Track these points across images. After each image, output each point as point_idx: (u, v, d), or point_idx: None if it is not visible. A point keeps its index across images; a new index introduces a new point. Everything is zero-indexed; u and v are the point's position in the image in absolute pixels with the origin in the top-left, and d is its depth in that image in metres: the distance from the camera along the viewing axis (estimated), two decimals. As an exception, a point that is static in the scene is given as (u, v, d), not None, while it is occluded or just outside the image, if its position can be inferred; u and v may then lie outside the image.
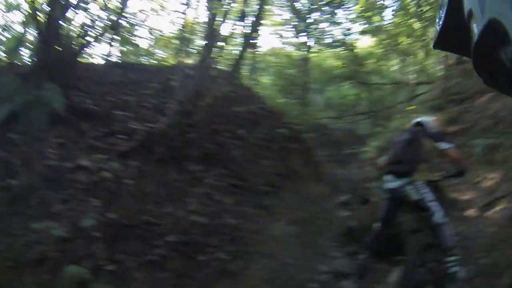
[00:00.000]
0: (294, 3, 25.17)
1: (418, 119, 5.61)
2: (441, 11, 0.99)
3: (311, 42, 26.56)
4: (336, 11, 26.99)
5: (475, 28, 0.77)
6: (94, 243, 3.98)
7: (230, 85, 7.96)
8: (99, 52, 9.71)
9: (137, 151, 5.47)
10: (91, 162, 4.81)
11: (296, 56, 28.48)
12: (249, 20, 7.53)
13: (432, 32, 20.33)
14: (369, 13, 23.57)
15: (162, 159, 5.56)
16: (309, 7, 25.12)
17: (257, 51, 15.65)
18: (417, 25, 24.46)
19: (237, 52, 7.43)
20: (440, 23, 0.98)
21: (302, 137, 9.70)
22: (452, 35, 0.97)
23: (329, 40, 28.36)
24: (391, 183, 5.13)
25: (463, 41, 0.88)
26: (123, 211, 4.50)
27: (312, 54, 27.67)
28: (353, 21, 26.47)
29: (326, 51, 30.52)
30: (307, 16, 24.99)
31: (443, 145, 5.08)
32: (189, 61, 9.43)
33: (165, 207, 4.89)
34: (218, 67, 7.63)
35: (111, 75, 7.13)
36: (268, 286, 5.04)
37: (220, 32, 6.86)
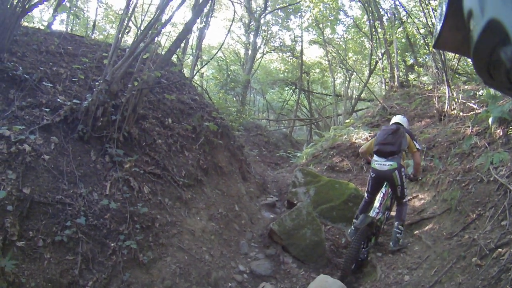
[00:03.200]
0: (250, 1, 25.24)
1: (397, 119, 7.02)
2: (441, 11, 0.90)
3: (259, 43, 26.75)
4: (290, 16, 27.46)
5: (475, 28, 0.75)
6: (5, 217, 3.70)
7: (164, 71, 7.72)
8: (43, 18, 9.21)
9: (59, 127, 5.19)
10: (12, 133, 4.46)
11: (242, 54, 28.64)
12: (199, 8, 7.25)
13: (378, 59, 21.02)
14: (321, 25, 23.95)
15: (83, 138, 5.30)
16: (264, 8, 25.25)
17: (201, 41, 15.38)
18: (366, 44, 25.21)
19: (179, 38, 7.12)
20: (440, 23, 0.96)
21: (232, 134, 9.63)
22: (452, 35, 0.95)
23: (277, 44, 28.73)
24: (382, 165, 6.49)
25: (463, 41, 0.89)
26: (38, 187, 4.23)
27: (259, 55, 27.87)
28: (304, 29, 26.93)
29: (273, 54, 30.95)
30: (261, 16, 25.09)
31: (417, 144, 6.79)
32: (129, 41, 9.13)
33: (79, 188, 4.65)
34: (154, 51, 7.37)
35: (49, 43, 6.75)
36: (181, 280, 4.93)
37: (163, 16, 6.56)
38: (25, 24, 7.39)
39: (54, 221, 4.06)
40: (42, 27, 7.48)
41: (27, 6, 5.72)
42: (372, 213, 6.70)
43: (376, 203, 6.84)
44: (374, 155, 6.71)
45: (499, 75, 0.75)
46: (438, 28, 0.97)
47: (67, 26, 10.67)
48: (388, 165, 6.43)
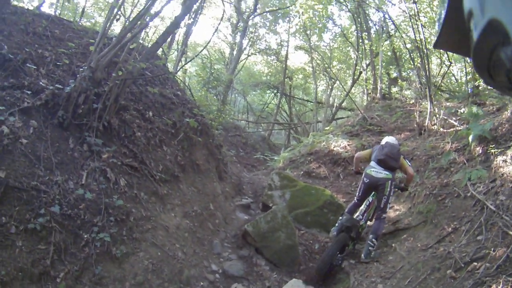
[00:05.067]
0: (240, 2, 25.22)
1: (391, 140, 7.37)
2: (441, 11, 0.89)
3: (245, 44, 26.72)
4: (278, 20, 27.51)
5: (475, 28, 0.74)
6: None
7: (149, 64, 7.64)
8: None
9: (39, 111, 5.08)
10: (-9, 113, 4.37)
11: (227, 54, 28.59)
12: (189, 3, 7.21)
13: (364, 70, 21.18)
14: (309, 31, 24.03)
15: (62, 124, 5.20)
16: (253, 10, 25.23)
17: (188, 37, 15.31)
18: (352, 54, 25.39)
19: (167, 31, 7.06)
20: (440, 23, 0.95)
21: (212, 133, 9.56)
22: (452, 35, 0.95)
23: (263, 47, 28.74)
24: (378, 173, 6.80)
25: (463, 41, 0.87)
26: (13, 171, 4.12)
27: (244, 56, 27.84)
28: (291, 34, 26.98)
29: (258, 56, 30.96)
30: (249, 18, 25.08)
31: (409, 163, 7.22)
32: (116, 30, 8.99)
33: (55, 175, 4.54)
34: (141, 42, 7.27)
35: (37, 25, 6.61)
36: (154, 277, 4.87)
37: (153, 8, 6.49)
38: (15, 3, 7.22)
39: (28, 208, 3.97)
40: (31, 8, 7.32)
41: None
42: (356, 217, 6.95)
43: (362, 209, 7.13)
44: (372, 163, 6.97)
45: (499, 75, 0.75)
46: (438, 28, 0.96)
47: (56, 9, 10.50)
48: (385, 174, 6.76)
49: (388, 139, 7.44)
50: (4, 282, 3.40)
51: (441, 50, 16.98)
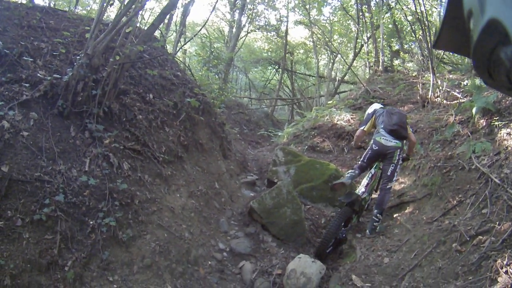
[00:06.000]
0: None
1: (376, 106, 7.58)
2: (441, 11, 0.89)
3: (244, 21, 26.51)
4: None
5: (475, 28, 0.76)
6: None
7: (147, 46, 7.61)
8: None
9: (39, 102, 5.09)
10: (-10, 109, 4.39)
11: (227, 32, 28.41)
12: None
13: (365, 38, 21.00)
14: (308, 6, 23.79)
15: (62, 114, 5.21)
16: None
17: (186, 17, 15.19)
18: (352, 27, 25.15)
19: (163, 12, 7.01)
20: (440, 23, 0.97)
21: (214, 111, 9.55)
22: (452, 35, 0.97)
23: (262, 23, 28.51)
24: (388, 141, 6.72)
25: (463, 41, 0.89)
26: (16, 165, 4.15)
27: (243, 33, 27.65)
28: (290, 9, 26.72)
29: (258, 32, 30.73)
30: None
31: (410, 129, 7.18)
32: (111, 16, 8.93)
33: (58, 164, 4.57)
34: (138, 25, 7.22)
35: (31, 18, 6.59)
36: (161, 259, 4.92)
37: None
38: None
39: (33, 199, 4.01)
40: (24, 2, 7.29)
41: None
42: (358, 191, 6.85)
43: (364, 182, 7.01)
44: (382, 131, 6.86)
45: (499, 75, 0.75)
46: (438, 28, 0.97)
47: (50, 1, 10.45)
48: (395, 142, 6.69)
49: (375, 106, 7.57)
50: (13, 275, 3.46)
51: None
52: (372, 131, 7.34)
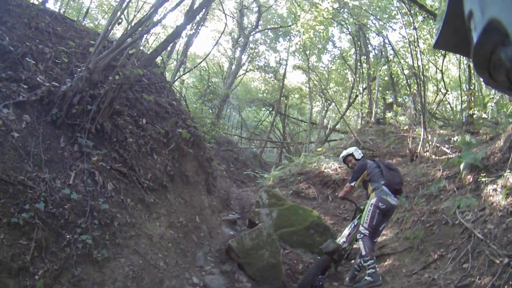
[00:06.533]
0: (242, 17, 25.41)
1: (352, 150, 7.37)
2: (441, 11, 0.91)
3: (244, 59, 26.87)
4: (278, 38, 27.72)
5: (475, 28, 0.76)
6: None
7: (147, 71, 7.64)
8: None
9: (34, 106, 5.07)
10: (-16, 104, 4.37)
11: (226, 68, 28.73)
12: (192, 14, 7.25)
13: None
14: (308, 51, 24.20)
15: (55, 122, 5.19)
16: (255, 26, 25.44)
17: (188, 47, 15.36)
18: (349, 77, 25.61)
19: (167, 40, 7.08)
20: (440, 23, 0.97)
21: (204, 145, 9.55)
22: (452, 35, 0.97)
23: (262, 64, 28.91)
24: (393, 200, 6.41)
25: (463, 41, 0.88)
26: (2, 164, 4.08)
27: (242, 71, 27.97)
28: (291, 53, 27.18)
29: (256, 72, 31.12)
30: (250, 34, 25.26)
31: None
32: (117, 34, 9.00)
33: (43, 172, 4.51)
34: (141, 48, 7.28)
35: (40, 20, 6.63)
36: (133, 284, 4.80)
37: (156, 15, 6.52)
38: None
39: (13, 201, 3.91)
40: (36, 3, 7.35)
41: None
42: (339, 240, 6.73)
43: (345, 232, 6.88)
44: (386, 189, 6.46)
45: (500, 75, 0.76)
46: (439, 28, 0.98)
47: (61, 7, 10.55)
48: (396, 200, 6.54)
49: (352, 150, 7.37)
50: (-18, 273, 3.35)
51: (437, 78, 17.25)
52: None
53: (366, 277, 6.04)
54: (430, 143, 11.37)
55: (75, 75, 5.58)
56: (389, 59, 20.27)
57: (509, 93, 0.88)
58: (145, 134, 6.84)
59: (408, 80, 17.87)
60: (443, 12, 0.94)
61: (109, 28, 6.17)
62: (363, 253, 6.23)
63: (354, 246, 7.31)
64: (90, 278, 4.29)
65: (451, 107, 21.95)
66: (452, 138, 11.42)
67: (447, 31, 0.95)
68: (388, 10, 18.43)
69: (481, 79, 0.86)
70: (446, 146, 10.83)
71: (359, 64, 21.11)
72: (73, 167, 5.01)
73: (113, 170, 5.66)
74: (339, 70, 26.81)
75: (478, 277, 4.68)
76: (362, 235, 6.34)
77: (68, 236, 4.30)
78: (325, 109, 28.29)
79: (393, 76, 20.94)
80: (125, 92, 6.49)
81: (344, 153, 7.42)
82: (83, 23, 8.83)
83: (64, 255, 4.15)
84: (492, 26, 0.69)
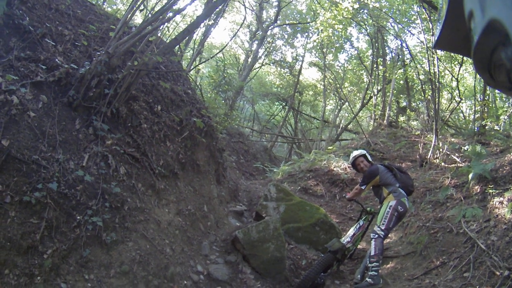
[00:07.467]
0: (262, 11, 25.36)
1: (358, 153, 7.38)
2: (441, 11, 0.92)
3: (261, 53, 26.81)
4: (296, 34, 27.62)
5: (476, 28, 0.76)
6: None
7: (165, 59, 7.67)
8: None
9: (51, 87, 5.10)
10: (4, 81, 4.40)
11: (242, 60, 28.68)
12: (212, 5, 7.25)
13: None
14: (325, 49, 24.11)
15: (71, 104, 5.22)
16: (274, 21, 25.38)
17: (206, 38, 15.35)
18: (364, 77, 25.48)
19: (187, 29, 7.09)
20: (441, 23, 0.98)
21: (216, 135, 9.57)
22: (453, 35, 0.98)
23: (278, 58, 28.85)
24: (408, 202, 6.53)
25: (463, 41, 0.91)
26: (17, 142, 4.13)
27: (258, 64, 27.92)
28: (307, 50, 27.08)
29: (272, 66, 31.05)
30: (268, 28, 25.21)
31: None
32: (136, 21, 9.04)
33: (57, 152, 4.55)
34: (160, 36, 7.31)
35: (60, 2, 6.66)
36: (139, 268, 4.85)
37: (176, 5, 6.55)
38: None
39: (26, 180, 3.96)
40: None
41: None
42: (343, 240, 6.78)
43: (350, 232, 6.95)
44: (402, 191, 6.54)
45: (500, 75, 0.77)
46: (439, 28, 0.98)
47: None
48: (409, 202, 6.71)
49: (357, 152, 7.38)
50: (-9, 248, 3.40)
51: (452, 86, 17.15)
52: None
53: (367, 279, 6.06)
54: (441, 150, 11.34)
55: (94, 58, 5.62)
56: (406, 63, 20.20)
57: (509, 93, 0.88)
58: (159, 120, 6.87)
59: (423, 86, 17.81)
60: (443, 12, 0.95)
61: (130, 14, 6.20)
62: (372, 253, 6.22)
63: (359, 246, 7.35)
64: (98, 260, 4.35)
65: (464, 116, 21.84)
66: (463, 147, 11.36)
67: (447, 31, 0.96)
68: (408, 15, 18.34)
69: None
70: (456, 154, 10.78)
71: (375, 65, 21.03)
72: (87, 149, 5.06)
73: (126, 155, 5.69)
74: (355, 70, 26.68)
75: (477, 287, 4.71)
76: (377, 236, 6.31)
77: (78, 217, 4.36)
78: (339, 108, 28.26)
79: (408, 80, 20.86)
80: (142, 78, 6.53)
81: (357, 153, 7.35)
82: (103, 7, 8.84)
83: (74, 236, 4.21)
84: (492, 26, 0.70)
